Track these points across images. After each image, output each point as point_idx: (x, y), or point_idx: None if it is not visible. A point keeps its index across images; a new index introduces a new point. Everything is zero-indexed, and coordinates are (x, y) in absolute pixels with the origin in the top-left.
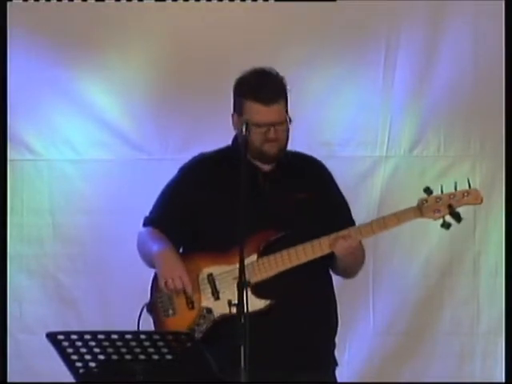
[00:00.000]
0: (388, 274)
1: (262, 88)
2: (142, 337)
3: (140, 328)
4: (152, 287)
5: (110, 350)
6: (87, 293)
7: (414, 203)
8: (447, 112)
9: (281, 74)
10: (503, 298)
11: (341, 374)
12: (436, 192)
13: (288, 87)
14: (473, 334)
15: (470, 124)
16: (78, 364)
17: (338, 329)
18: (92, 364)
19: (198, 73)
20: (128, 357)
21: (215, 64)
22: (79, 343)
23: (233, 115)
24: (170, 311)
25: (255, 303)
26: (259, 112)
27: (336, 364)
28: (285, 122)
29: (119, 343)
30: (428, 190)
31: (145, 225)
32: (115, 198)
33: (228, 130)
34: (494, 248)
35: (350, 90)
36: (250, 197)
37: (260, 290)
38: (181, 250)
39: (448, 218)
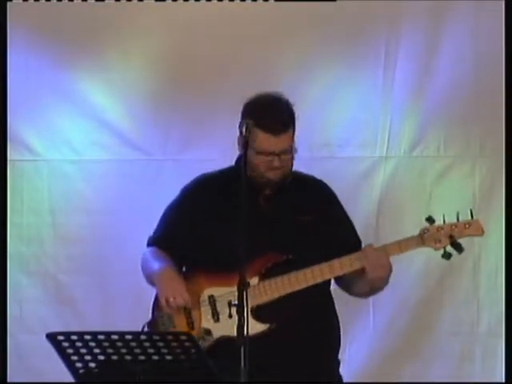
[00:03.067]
0: None
1: (271, 118)
2: (142, 337)
3: None
4: (153, 306)
5: (110, 350)
6: (87, 293)
7: (414, 203)
8: (447, 112)
9: (281, 74)
10: (503, 298)
11: (341, 373)
12: (438, 221)
13: (296, 115)
14: (473, 334)
15: (470, 124)
16: (78, 364)
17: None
18: (92, 364)
19: (198, 73)
20: (128, 357)
21: (215, 64)
22: (79, 344)
23: (238, 138)
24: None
25: (255, 326)
26: (267, 141)
27: (341, 381)
28: (291, 151)
29: (119, 344)
30: (430, 219)
31: (148, 245)
32: (115, 198)
33: (227, 131)
34: (493, 249)
35: (350, 90)
36: (251, 219)
37: (260, 313)
38: (183, 270)
39: (449, 249)
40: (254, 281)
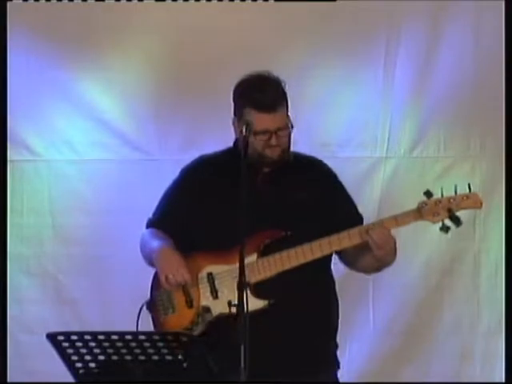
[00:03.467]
0: (388, 274)
1: (262, 96)
2: (142, 337)
3: (139, 326)
4: (152, 286)
5: (110, 350)
6: (87, 293)
7: (415, 204)
8: (447, 112)
9: (281, 74)
10: (503, 298)
11: (341, 373)
12: (436, 195)
13: (287, 91)
14: (473, 333)
15: (470, 124)
16: (78, 364)
17: (339, 329)
18: (92, 364)
19: (198, 73)
20: (128, 357)
21: (215, 64)
22: (79, 344)
23: (233, 120)
24: (170, 310)
25: (254, 303)
26: (260, 120)
27: (338, 366)
28: (286, 127)
29: (119, 344)
30: (428, 193)
31: (147, 226)
32: (115, 198)
33: (227, 130)
34: (494, 248)
35: (350, 90)
36: (249, 197)
37: (259, 289)
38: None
39: (447, 222)
40: (252, 258)
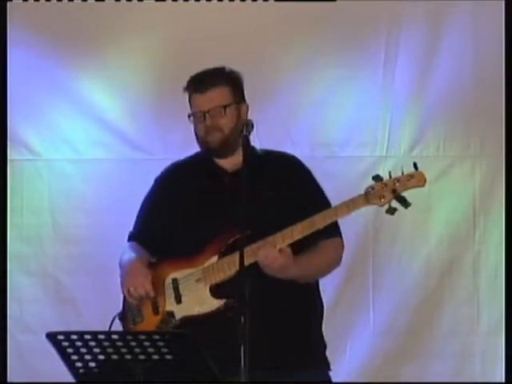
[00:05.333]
0: (388, 273)
1: (198, 78)
2: (142, 337)
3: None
4: (124, 297)
5: (110, 350)
6: (87, 293)
7: (414, 203)
8: (447, 112)
9: (281, 74)
10: (503, 298)
11: (341, 373)
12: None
13: (239, 76)
14: (473, 333)
15: (470, 124)
16: (78, 364)
17: (338, 329)
18: (92, 364)
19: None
20: (128, 357)
21: (215, 64)
22: (79, 343)
23: (188, 116)
24: (139, 318)
25: (212, 303)
26: (195, 100)
27: (328, 367)
28: (225, 108)
29: (119, 343)
30: (377, 178)
31: (128, 240)
32: (115, 197)
33: None
34: (494, 248)
35: (349, 90)
36: (214, 199)
37: (219, 290)
38: (154, 260)
39: (394, 203)
40: (212, 260)
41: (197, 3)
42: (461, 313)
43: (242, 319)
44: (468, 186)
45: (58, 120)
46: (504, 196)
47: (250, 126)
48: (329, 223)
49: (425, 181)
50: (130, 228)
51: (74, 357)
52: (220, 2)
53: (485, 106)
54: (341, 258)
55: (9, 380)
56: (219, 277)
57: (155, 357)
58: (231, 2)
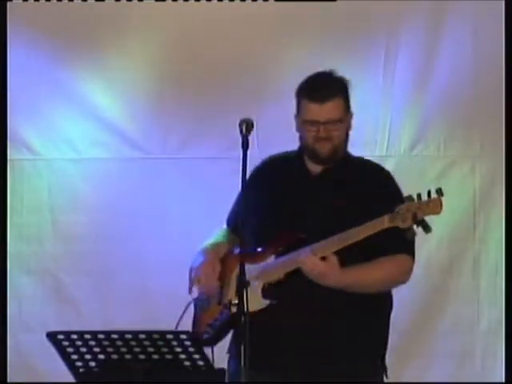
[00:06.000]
0: None
1: (315, 86)
2: (142, 336)
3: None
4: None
5: (109, 349)
6: (87, 292)
7: None
8: (447, 111)
9: (280, 74)
10: (503, 298)
11: None
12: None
13: (348, 85)
14: (473, 333)
15: (470, 123)
16: (78, 363)
17: None
18: (92, 364)
19: (198, 72)
20: (128, 356)
21: (215, 63)
22: (79, 343)
23: (295, 118)
24: (206, 306)
25: (259, 303)
26: (311, 110)
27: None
28: (340, 121)
29: (119, 343)
30: (408, 199)
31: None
32: (115, 196)
33: (227, 128)
34: (494, 248)
35: (349, 89)
36: (296, 197)
37: (270, 290)
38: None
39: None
40: (270, 259)
41: (197, 3)
42: (461, 313)
43: (242, 319)
44: (468, 186)
45: (58, 119)
46: (504, 196)
47: (250, 125)
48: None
49: (440, 208)
50: (130, 227)
51: (74, 356)
52: (220, 2)
53: (485, 106)
54: (406, 274)
55: (9, 380)
56: (272, 277)
57: (155, 357)
58: (231, 2)
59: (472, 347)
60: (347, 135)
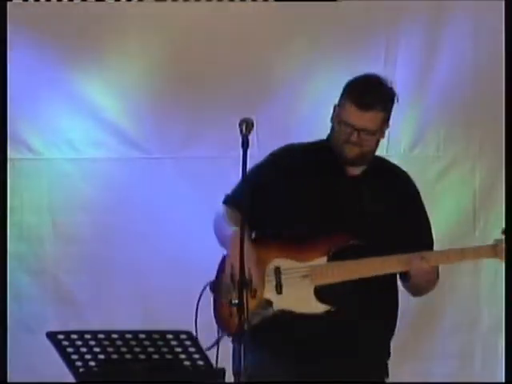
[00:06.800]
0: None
1: (363, 92)
2: (142, 336)
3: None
4: (220, 268)
5: (110, 349)
6: (87, 292)
7: None
8: (447, 111)
9: (280, 74)
10: (503, 298)
11: None
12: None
13: (395, 97)
14: (473, 333)
15: (470, 124)
16: (78, 363)
17: None
18: (92, 363)
19: (197, 72)
20: (128, 356)
21: (214, 63)
22: (79, 342)
23: (335, 107)
24: (235, 299)
25: (316, 306)
26: (351, 113)
27: (387, 375)
28: (375, 132)
29: (119, 343)
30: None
31: (225, 202)
32: (115, 196)
33: (227, 128)
34: None
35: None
36: (329, 196)
37: (323, 294)
38: (253, 235)
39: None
40: (321, 260)
41: (197, 3)
42: (461, 312)
43: (242, 319)
44: (468, 186)
45: (58, 119)
46: (504, 196)
47: (250, 125)
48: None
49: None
50: (130, 226)
51: (74, 356)
52: (219, 3)
53: (485, 106)
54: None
55: (9, 380)
56: (326, 280)
57: (155, 357)
58: (231, 2)
59: (472, 347)
60: (378, 142)
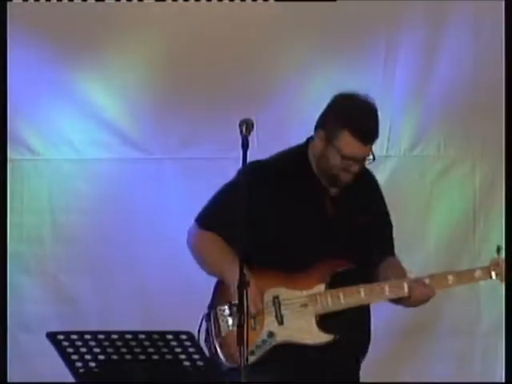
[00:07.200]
0: None
1: (363, 125)
2: (142, 337)
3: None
4: (214, 297)
5: (109, 349)
6: (87, 292)
7: (415, 203)
8: (447, 111)
9: (280, 74)
10: (503, 298)
11: None
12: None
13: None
14: (473, 333)
15: (470, 124)
16: (78, 364)
17: None
18: (92, 364)
19: (198, 72)
20: (128, 357)
21: (215, 63)
22: (79, 343)
23: (319, 132)
24: (232, 326)
25: (319, 336)
26: (353, 147)
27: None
28: (368, 157)
29: (119, 343)
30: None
31: (201, 225)
32: (115, 197)
33: (227, 129)
34: (494, 248)
35: (350, 89)
36: (315, 220)
37: (325, 322)
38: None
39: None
40: (319, 288)
41: (197, 3)
42: (461, 313)
43: (242, 321)
44: (468, 186)
45: (58, 120)
46: (504, 196)
47: (250, 125)
48: None
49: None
50: (130, 227)
51: (74, 356)
52: (219, 3)
53: (485, 106)
54: None
55: (9, 380)
56: (327, 308)
57: (155, 357)
58: (231, 2)
59: (472, 347)
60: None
